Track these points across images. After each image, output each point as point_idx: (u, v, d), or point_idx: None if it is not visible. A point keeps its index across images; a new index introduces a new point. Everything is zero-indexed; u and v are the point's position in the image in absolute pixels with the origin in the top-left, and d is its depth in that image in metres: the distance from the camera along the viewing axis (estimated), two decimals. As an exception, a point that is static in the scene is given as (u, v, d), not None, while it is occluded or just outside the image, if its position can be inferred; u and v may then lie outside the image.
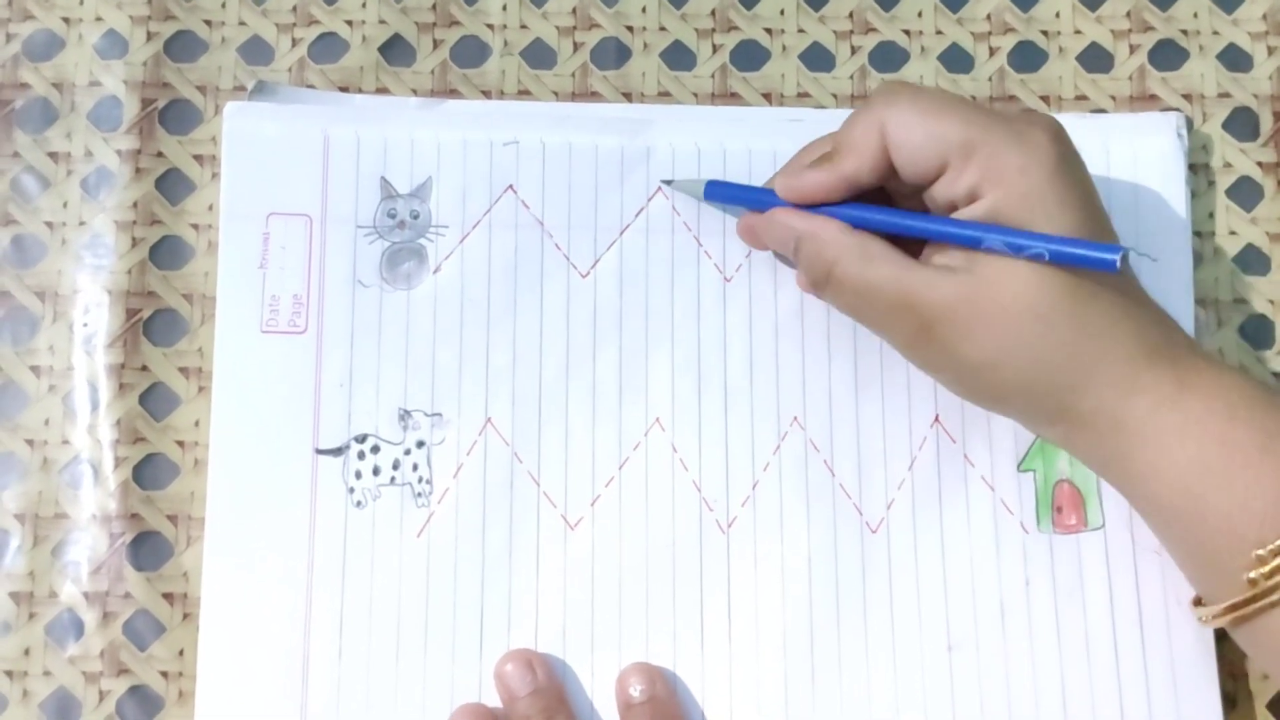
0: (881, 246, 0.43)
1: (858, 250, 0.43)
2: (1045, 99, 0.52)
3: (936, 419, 0.48)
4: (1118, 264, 0.40)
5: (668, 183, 0.49)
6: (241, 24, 0.51)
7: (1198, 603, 0.45)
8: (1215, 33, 0.53)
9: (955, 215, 0.43)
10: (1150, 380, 0.42)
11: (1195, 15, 0.53)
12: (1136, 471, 0.43)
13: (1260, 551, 0.41)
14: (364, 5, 0.52)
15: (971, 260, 0.42)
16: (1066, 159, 0.43)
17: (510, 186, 0.49)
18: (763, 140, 0.50)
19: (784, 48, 0.52)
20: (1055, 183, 0.42)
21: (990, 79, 0.52)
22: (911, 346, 0.44)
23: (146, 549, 0.47)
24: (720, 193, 0.48)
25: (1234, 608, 0.42)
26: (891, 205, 0.45)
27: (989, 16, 0.53)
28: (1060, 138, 0.43)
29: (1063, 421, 0.44)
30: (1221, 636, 0.47)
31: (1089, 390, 0.42)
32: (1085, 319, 0.42)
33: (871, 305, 0.44)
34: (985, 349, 0.42)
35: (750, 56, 0.52)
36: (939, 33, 0.52)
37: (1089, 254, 0.40)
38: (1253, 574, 0.41)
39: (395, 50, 0.52)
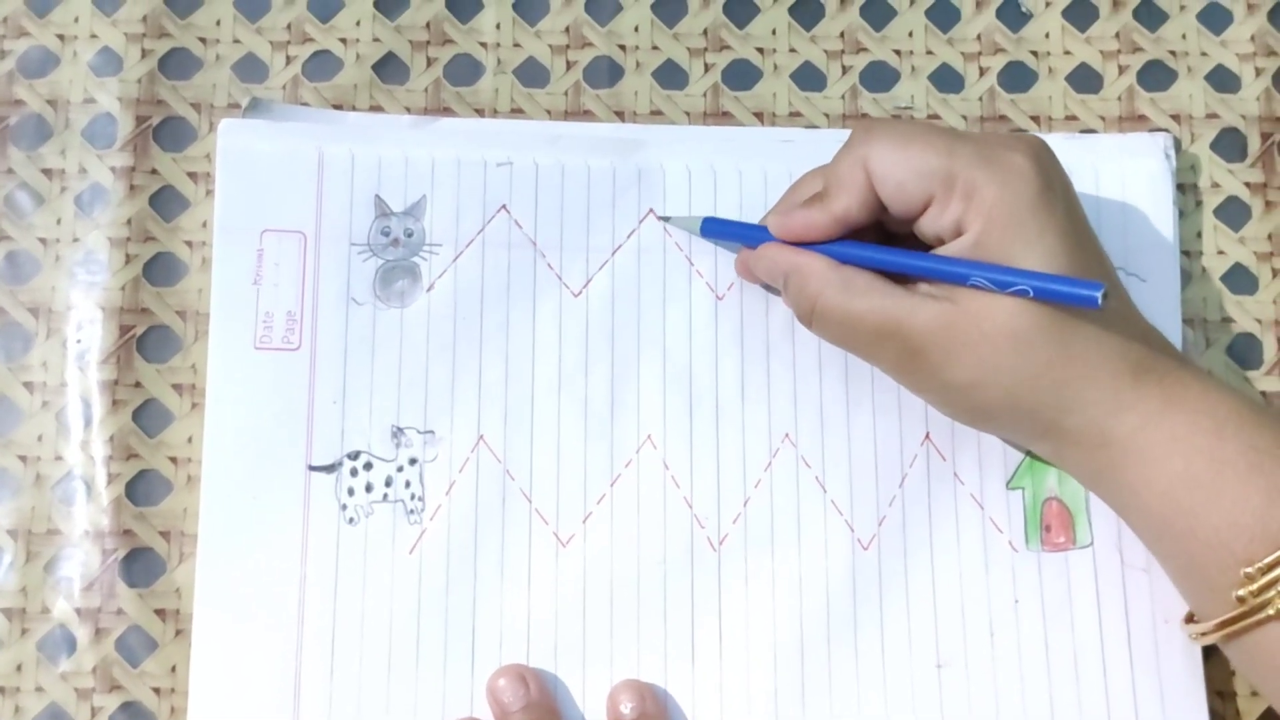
0: (866, 278, 0.44)
1: (841, 283, 0.44)
2: (1035, 119, 0.52)
3: (927, 436, 0.49)
4: (1099, 301, 0.41)
5: (665, 219, 0.50)
6: (236, 42, 0.52)
7: (1190, 619, 0.45)
8: (1204, 54, 0.53)
9: (942, 248, 0.43)
10: (1136, 397, 0.43)
11: (1184, 37, 0.53)
12: (1126, 486, 0.44)
13: (1249, 569, 0.41)
14: (358, 23, 0.52)
15: (955, 289, 0.43)
16: (1049, 184, 0.43)
17: (504, 206, 0.50)
18: (753, 161, 0.50)
19: (775, 67, 0.52)
20: (1037, 212, 0.42)
21: (980, 99, 0.52)
22: (899, 371, 0.45)
23: (139, 565, 0.48)
24: (716, 229, 0.49)
25: (1224, 624, 0.42)
26: (885, 233, 0.46)
27: (979, 37, 0.53)
28: (1042, 161, 0.43)
29: (1050, 438, 0.45)
30: (1209, 655, 0.48)
31: (1074, 409, 0.43)
32: (1068, 342, 0.42)
33: (856, 334, 0.45)
34: (969, 372, 0.43)
35: (742, 76, 0.52)
36: (929, 53, 0.53)
37: (1071, 291, 0.41)
38: (1241, 592, 0.41)
39: (389, 68, 0.52)
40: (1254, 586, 0.41)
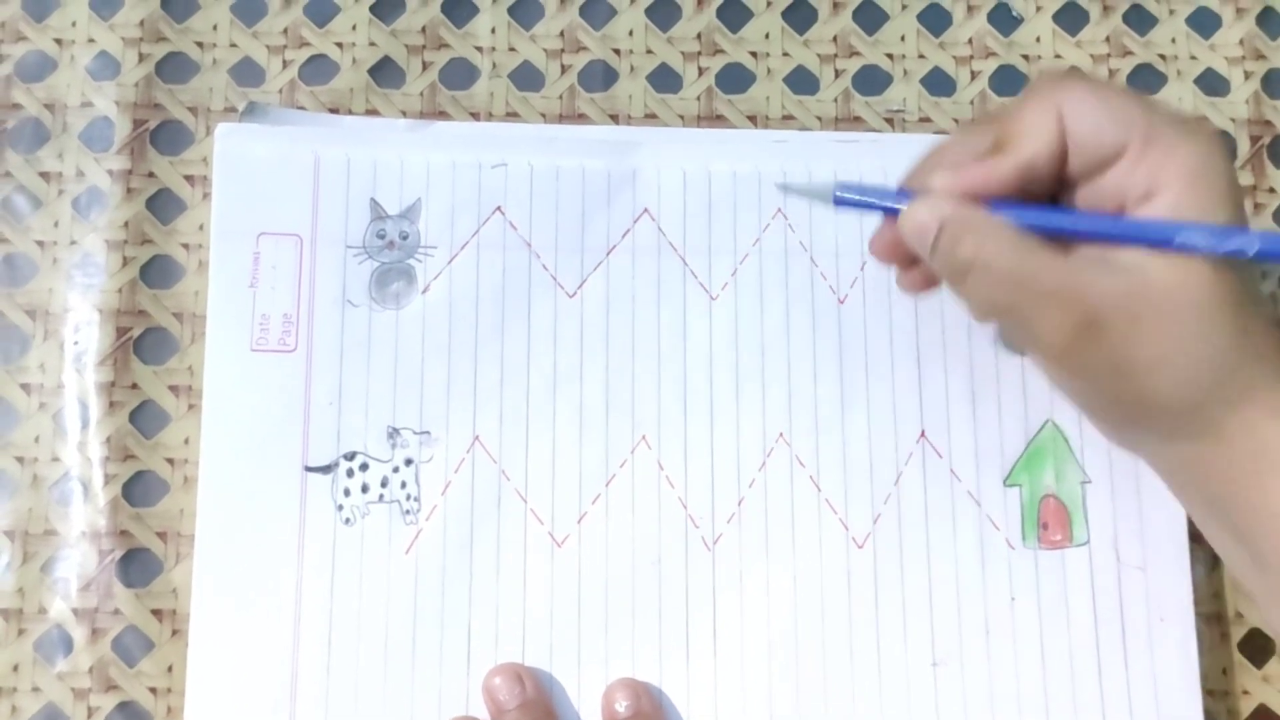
0: (1039, 240, 0.39)
1: (1012, 234, 0.39)
2: (1026, 122, 0.53)
3: (923, 434, 0.49)
4: None
5: (784, 187, 0.44)
6: (233, 46, 0.52)
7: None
8: (1193, 58, 0.54)
9: (1138, 210, 0.40)
10: None
11: (1173, 41, 0.54)
12: (1265, 500, 0.40)
13: None
14: (354, 28, 0.52)
15: (1136, 259, 0.39)
16: (1232, 169, 0.40)
17: (498, 208, 0.50)
18: (748, 162, 0.50)
19: (769, 71, 0.53)
20: (1235, 187, 0.39)
21: (972, 102, 0.53)
22: (1062, 348, 0.40)
23: (136, 566, 0.48)
24: (851, 198, 0.42)
25: None
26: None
27: (970, 41, 0.54)
28: (1229, 148, 0.41)
29: (1203, 438, 0.41)
30: (1204, 653, 0.48)
31: (1241, 406, 0.40)
32: (1248, 325, 0.39)
33: (1024, 296, 0.39)
34: (1153, 348, 0.39)
35: (736, 79, 0.53)
36: (921, 56, 0.53)
37: None
38: None
39: (385, 72, 0.52)
40: None
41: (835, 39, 0.53)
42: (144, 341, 0.49)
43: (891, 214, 0.41)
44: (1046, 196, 0.41)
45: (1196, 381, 0.39)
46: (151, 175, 0.51)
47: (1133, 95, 0.40)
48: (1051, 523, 0.48)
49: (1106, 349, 0.39)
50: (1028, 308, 0.40)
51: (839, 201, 0.42)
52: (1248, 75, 0.53)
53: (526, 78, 0.52)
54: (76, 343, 0.49)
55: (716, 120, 0.52)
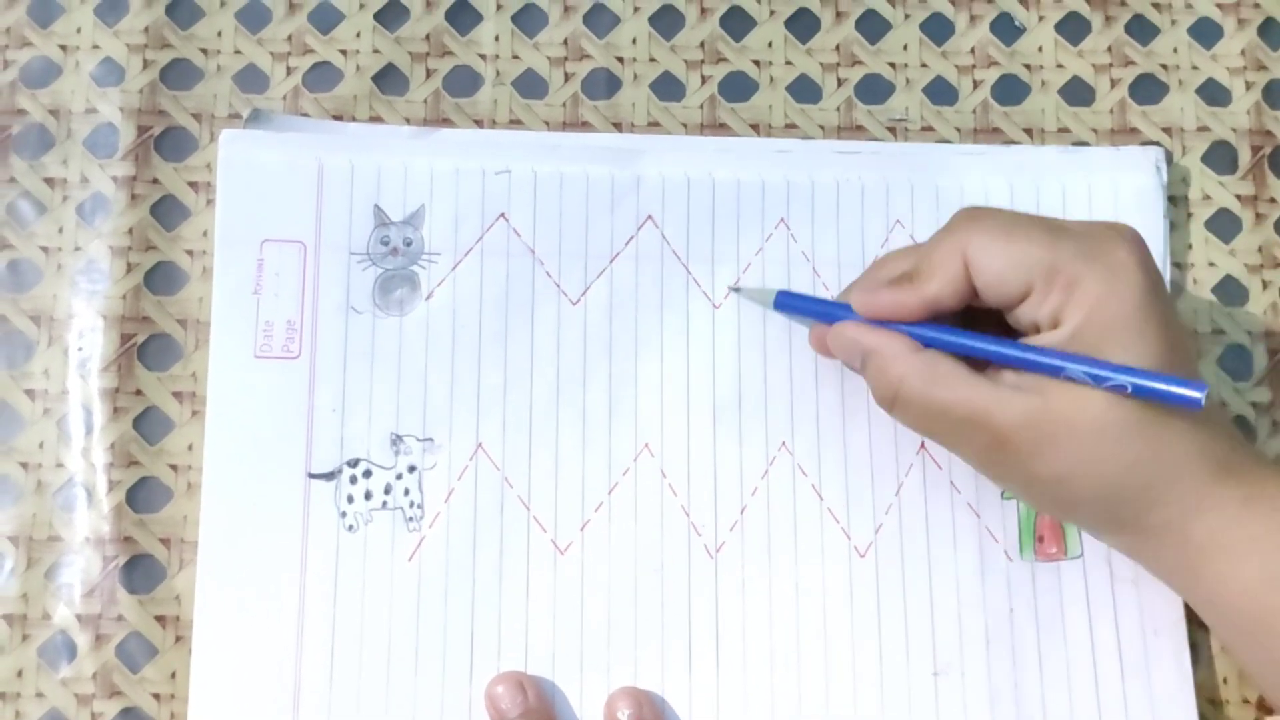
0: (949, 365, 0.43)
1: (925, 370, 0.43)
2: (1028, 131, 0.53)
3: (923, 445, 0.49)
4: (1202, 402, 0.40)
5: (736, 290, 0.49)
6: (237, 53, 0.52)
7: (1263, 707, 0.46)
8: (1195, 68, 0.54)
9: (1036, 338, 0.43)
10: (1217, 498, 0.42)
11: (1175, 51, 0.54)
12: (1205, 583, 0.43)
13: None
14: (358, 35, 0.52)
15: (1043, 381, 0.42)
16: (1153, 283, 0.42)
17: (502, 215, 0.50)
18: (751, 171, 0.51)
19: (771, 79, 0.53)
20: (1138, 312, 0.42)
21: (974, 111, 0.53)
22: (982, 462, 0.44)
23: (139, 572, 0.48)
24: (791, 304, 0.48)
25: None
26: (968, 310, 0.45)
27: (973, 50, 0.54)
28: (1146, 258, 0.43)
29: (1129, 532, 0.44)
30: (1198, 663, 0.48)
31: (1156, 507, 0.43)
32: (1155, 440, 0.42)
33: (940, 424, 0.44)
34: (1055, 467, 0.42)
35: (738, 88, 0.53)
36: (924, 66, 0.53)
37: (1175, 391, 0.40)
38: None
39: (389, 79, 0.52)
40: None
41: (838, 48, 0.53)
42: (148, 348, 0.49)
43: (825, 321, 0.47)
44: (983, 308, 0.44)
45: (1104, 495, 0.43)
46: (156, 181, 0.51)
47: (1038, 232, 0.43)
48: (1047, 536, 0.49)
49: (1016, 465, 0.43)
50: (942, 435, 0.44)
51: (779, 306, 0.48)
52: (1249, 86, 0.54)
53: (530, 85, 0.52)
54: (80, 349, 0.49)
55: (719, 129, 0.52)
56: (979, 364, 0.43)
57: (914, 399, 0.43)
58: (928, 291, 0.43)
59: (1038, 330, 0.43)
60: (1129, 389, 0.41)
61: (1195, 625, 0.48)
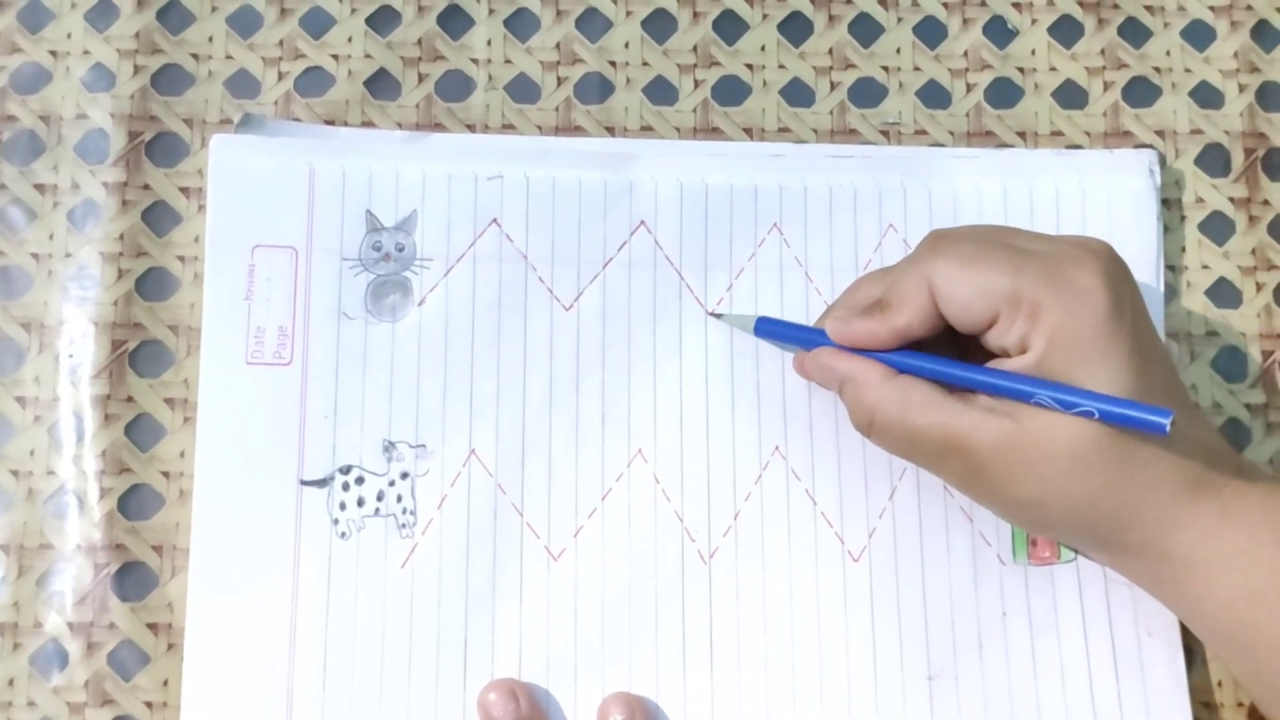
0: (924, 390, 0.44)
1: (899, 396, 0.44)
2: (1021, 134, 0.53)
3: (915, 451, 0.49)
4: (1166, 429, 0.40)
5: (718, 316, 0.49)
6: (228, 58, 0.52)
7: (1255, 716, 0.47)
8: (1187, 70, 0.54)
9: (1005, 363, 0.43)
10: (1193, 513, 0.42)
11: (1168, 53, 0.54)
12: (1187, 598, 0.44)
13: None
14: (350, 40, 0.52)
15: (1016, 405, 0.42)
16: (1118, 304, 0.42)
17: (495, 220, 0.50)
18: (744, 176, 0.51)
19: (764, 83, 0.53)
20: (1102, 334, 0.42)
21: (967, 115, 0.53)
22: (960, 484, 0.45)
23: (131, 579, 0.48)
24: (770, 330, 0.49)
25: None
26: (948, 331, 0.45)
27: (966, 53, 0.54)
28: (1112, 278, 0.43)
29: (1109, 550, 0.45)
30: (1193, 666, 0.48)
31: (1133, 526, 0.43)
32: (1129, 462, 0.42)
33: (916, 448, 0.44)
34: (1031, 490, 0.42)
35: (731, 92, 0.53)
36: (917, 69, 0.53)
37: (1139, 416, 0.40)
38: None
39: (380, 84, 0.52)
40: None
41: (831, 51, 0.53)
42: (139, 354, 0.49)
43: (803, 347, 0.48)
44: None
45: (1080, 517, 0.43)
46: (147, 187, 0.50)
47: (1001, 260, 0.43)
48: (1040, 540, 0.49)
49: (992, 488, 0.43)
50: (920, 459, 0.45)
51: (759, 332, 0.49)
52: (1242, 88, 0.54)
53: (522, 90, 0.52)
54: (71, 355, 0.49)
55: (712, 133, 0.52)
56: (957, 390, 0.44)
57: (890, 425, 0.44)
58: (898, 322, 0.44)
59: (1008, 354, 0.43)
60: (1096, 415, 0.41)
61: (1189, 629, 0.48)
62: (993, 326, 0.43)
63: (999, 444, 0.42)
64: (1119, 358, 0.42)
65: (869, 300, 0.45)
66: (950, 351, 0.45)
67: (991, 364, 0.43)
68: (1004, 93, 0.53)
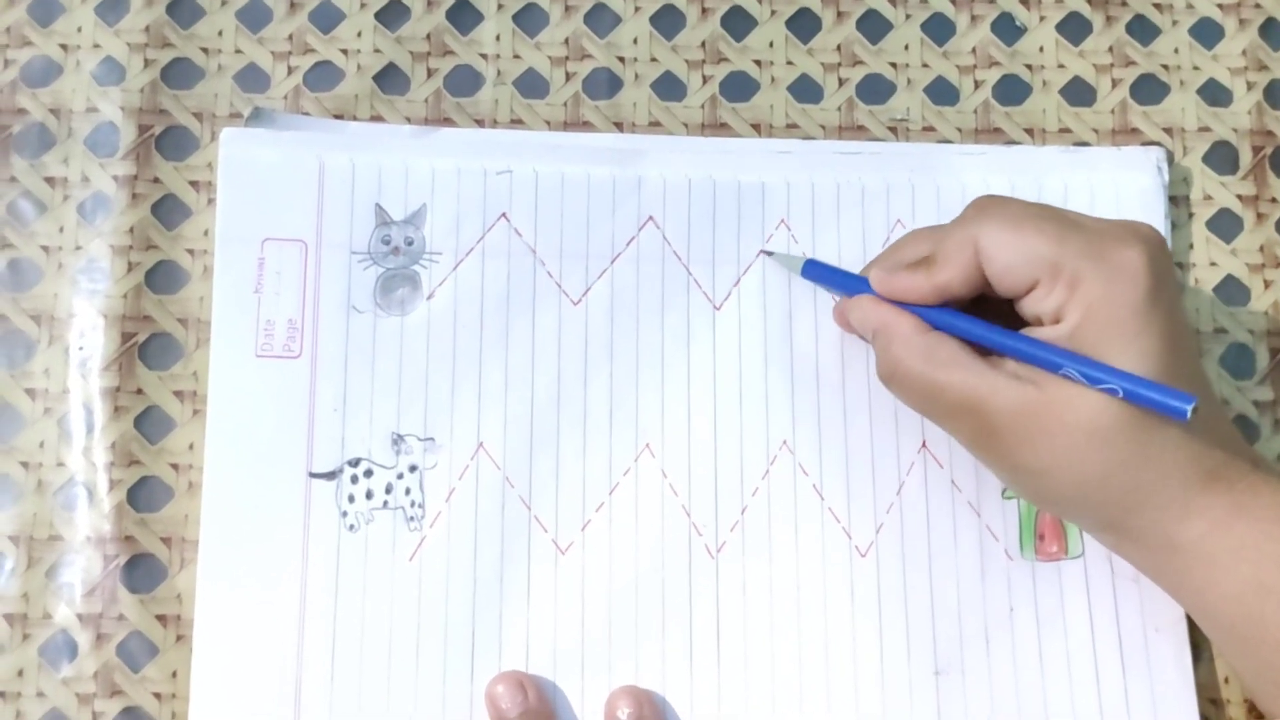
0: (951, 349, 0.44)
1: (927, 351, 0.44)
2: (1029, 131, 0.53)
3: (924, 444, 0.49)
4: (1188, 414, 0.40)
5: (768, 253, 0.50)
6: (238, 52, 0.52)
7: (1255, 714, 0.46)
8: (1196, 68, 0.54)
9: (1039, 331, 0.43)
10: (1204, 504, 0.42)
11: (1176, 51, 0.54)
12: (1192, 588, 0.44)
13: None
14: (359, 34, 0.52)
15: (1042, 373, 0.42)
16: (1159, 286, 0.42)
17: (504, 214, 0.50)
18: (752, 172, 0.51)
19: (773, 79, 0.53)
20: (1139, 314, 0.42)
21: (975, 111, 0.53)
22: (972, 445, 0.45)
23: (140, 571, 0.48)
24: (816, 273, 0.49)
25: None
26: (983, 296, 0.45)
27: (974, 50, 0.54)
28: (1155, 260, 0.43)
29: (1113, 532, 0.45)
30: (1200, 662, 0.48)
31: (1141, 510, 0.43)
32: (1146, 445, 0.42)
33: (935, 404, 0.44)
34: (1042, 460, 0.42)
35: (740, 88, 0.53)
36: (925, 66, 0.53)
37: (1163, 400, 0.40)
38: None
39: (390, 79, 0.52)
40: None
41: (839, 48, 0.53)
42: (149, 347, 0.49)
43: (845, 293, 0.48)
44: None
45: (1087, 493, 0.43)
46: (157, 181, 0.51)
47: (1048, 226, 0.43)
48: (1048, 535, 0.49)
49: (1004, 452, 0.43)
50: (937, 415, 0.45)
51: (806, 273, 0.49)
52: (1250, 86, 0.54)
53: (531, 85, 0.52)
54: (81, 348, 0.49)
55: (720, 128, 0.52)
56: (984, 350, 0.44)
57: (911, 377, 0.44)
58: (940, 279, 0.44)
59: (1041, 323, 0.43)
60: (1120, 393, 0.41)
61: (1197, 625, 0.48)
62: (1031, 292, 0.43)
63: (1018, 409, 0.42)
64: (1151, 340, 0.42)
65: (914, 256, 0.45)
66: (986, 319, 0.45)
67: (1024, 331, 0.43)
68: (1012, 89, 0.53)
